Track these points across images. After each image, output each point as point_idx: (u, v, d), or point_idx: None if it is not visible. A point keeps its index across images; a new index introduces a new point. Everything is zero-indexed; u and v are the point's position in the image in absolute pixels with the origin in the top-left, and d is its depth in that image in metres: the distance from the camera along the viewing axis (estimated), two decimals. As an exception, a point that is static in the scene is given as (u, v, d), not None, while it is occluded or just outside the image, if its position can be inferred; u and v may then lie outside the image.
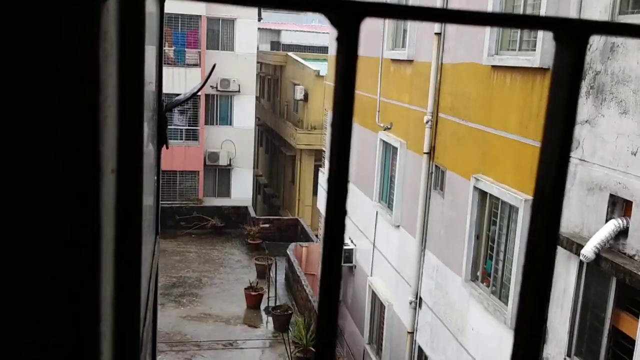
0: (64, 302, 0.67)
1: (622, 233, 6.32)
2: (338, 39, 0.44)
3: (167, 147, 1.96)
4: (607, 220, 6.48)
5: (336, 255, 0.46)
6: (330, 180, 0.46)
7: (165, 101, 2.10)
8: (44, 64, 0.60)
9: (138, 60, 0.83)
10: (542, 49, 7.77)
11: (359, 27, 0.44)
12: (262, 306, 18.31)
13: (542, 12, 7.77)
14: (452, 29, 10.53)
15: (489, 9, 9.06)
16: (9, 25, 0.58)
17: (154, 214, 1.86)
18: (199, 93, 25.18)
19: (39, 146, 0.62)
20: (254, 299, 18.28)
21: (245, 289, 18.58)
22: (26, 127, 0.61)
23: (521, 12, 8.63)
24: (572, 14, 7.16)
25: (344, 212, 0.47)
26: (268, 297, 18.16)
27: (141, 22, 0.83)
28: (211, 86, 26.56)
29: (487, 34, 9.06)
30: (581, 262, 6.82)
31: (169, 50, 25.61)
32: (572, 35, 0.42)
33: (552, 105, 0.42)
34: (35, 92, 0.60)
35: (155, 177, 1.87)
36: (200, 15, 26.16)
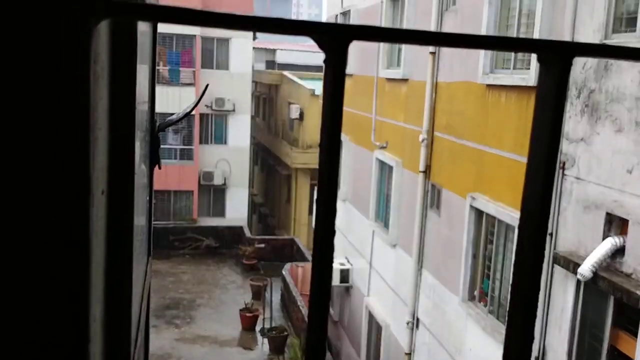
0: (52, 325, 0.66)
1: (619, 251, 6.31)
2: (326, 62, 0.45)
3: (159, 168, 1.95)
4: (603, 239, 6.48)
5: (326, 266, 0.46)
6: (319, 198, 0.46)
7: (158, 120, 2.11)
8: (35, 87, 0.60)
9: (129, 82, 0.84)
10: (536, 68, 7.82)
11: (347, 50, 0.45)
12: (258, 328, 18.14)
13: (536, 31, 7.84)
14: (446, 48, 10.61)
15: (483, 27, 9.14)
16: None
17: (146, 234, 1.86)
18: (193, 112, 25.21)
19: (28, 169, 0.62)
20: (249, 321, 18.12)
21: (240, 310, 18.42)
22: (15, 150, 0.61)
23: (515, 31, 8.70)
24: (566, 32, 7.22)
25: (332, 231, 0.47)
26: (263, 319, 18.01)
27: (133, 45, 0.84)
28: (206, 105, 26.60)
29: (482, 52, 9.12)
30: (579, 281, 6.81)
31: (163, 70, 25.67)
32: (556, 57, 0.42)
33: (537, 126, 0.43)
34: (25, 115, 0.60)
35: (148, 198, 1.86)
36: (195, 35, 26.28)
